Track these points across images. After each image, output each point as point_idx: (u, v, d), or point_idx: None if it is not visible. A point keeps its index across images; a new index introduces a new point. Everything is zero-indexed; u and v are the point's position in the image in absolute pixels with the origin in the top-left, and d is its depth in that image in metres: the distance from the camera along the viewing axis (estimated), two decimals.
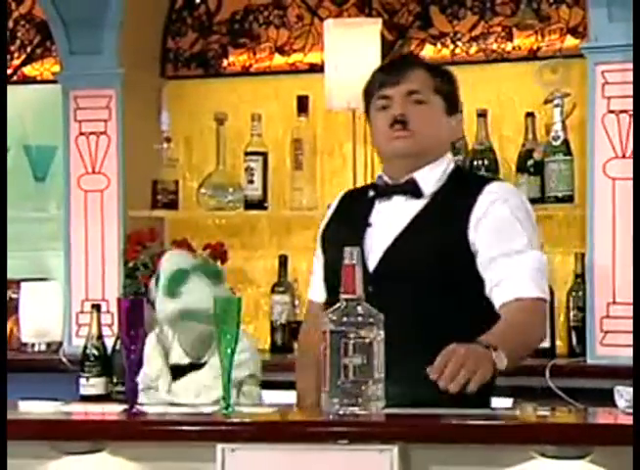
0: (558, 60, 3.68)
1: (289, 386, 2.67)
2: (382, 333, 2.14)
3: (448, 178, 2.54)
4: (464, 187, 2.52)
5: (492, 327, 2.32)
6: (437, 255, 2.44)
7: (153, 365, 2.54)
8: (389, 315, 2.17)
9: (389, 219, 2.51)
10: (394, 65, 2.70)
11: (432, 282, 2.43)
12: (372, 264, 2.48)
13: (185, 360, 2.52)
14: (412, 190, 2.51)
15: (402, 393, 2.23)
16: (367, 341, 2.12)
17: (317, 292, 2.67)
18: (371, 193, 2.58)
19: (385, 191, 2.55)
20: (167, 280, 2.52)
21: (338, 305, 2.15)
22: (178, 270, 2.53)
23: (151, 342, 2.55)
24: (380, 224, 2.51)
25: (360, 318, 2.12)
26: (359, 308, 2.13)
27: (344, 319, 2.12)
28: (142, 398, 2.48)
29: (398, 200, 2.53)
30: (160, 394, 2.51)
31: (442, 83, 2.58)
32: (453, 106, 2.57)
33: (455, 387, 2.13)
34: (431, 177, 2.52)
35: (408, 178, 2.53)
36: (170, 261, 2.58)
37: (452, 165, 2.58)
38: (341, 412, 2.11)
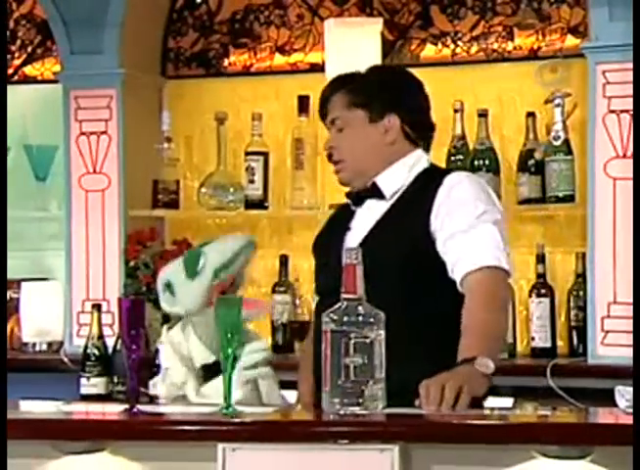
0: (558, 59, 3.68)
1: (290, 386, 2.67)
2: (382, 333, 2.14)
3: (415, 177, 2.57)
4: (427, 182, 2.54)
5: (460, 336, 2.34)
6: (401, 250, 2.48)
7: (176, 373, 2.52)
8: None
9: (363, 222, 2.58)
10: (321, 96, 2.71)
11: (398, 276, 2.47)
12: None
13: (211, 359, 2.50)
14: (377, 193, 2.58)
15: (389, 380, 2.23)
16: (368, 341, 2.12)
17: None
18: (349, 201, 2.66)
19: (357, 198, 2.63)
20: (185, 263, 2.50)
21: (338, 304, 2.15)
22: (191, 252, 2.52)
23: (166, 352, 2.55)
24: (356, 227, 2.59)
25: (361, 318, 2.12)
26: (360, 308, 2.13)
27: (345, 319, 2.12)
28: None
29: (370, 203, 2.59)
30: (190, 399, 2.49)
31: (359, 94, 2.59)
32: (377, 111, 2.57)
33: (445, 406, 2.15)
34: (392, 179, 2.57)
35: (371, 183, 2.59)
36: (175, 266, 2.57)
37: (421, 164, 2.59)
38: (341, 412, 2.11)
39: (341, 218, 2.66)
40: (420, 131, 2.60)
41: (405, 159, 2.58)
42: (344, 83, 2.65)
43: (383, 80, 2.63)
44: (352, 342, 2.11)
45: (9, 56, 4.20)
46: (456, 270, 2.42)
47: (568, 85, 3.62)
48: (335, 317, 2.13)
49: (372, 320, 2.12)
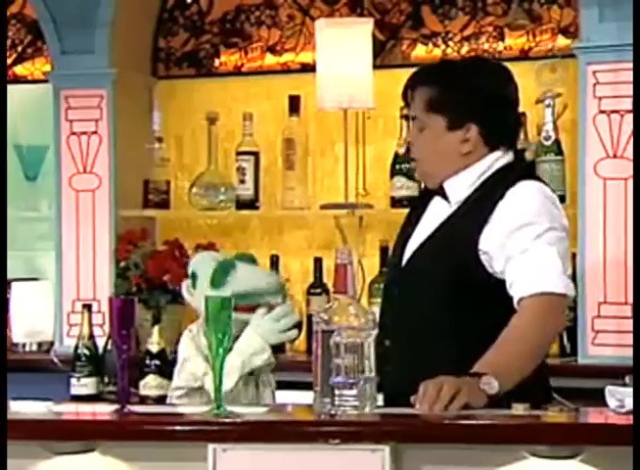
0: (556, 59, 3.67)
1: (281, 386, 2.66)
2: (373, 333, 2.13)
3: (483, 182, 2.53)
4: (491, 191, 2.50)
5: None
6: (449, 262, 2.47)
7: (196, 364, 2.53)
8: (410, 310, 2.42)
9: (427, 225, 2.57)
10: (406, 83, 2.63)
11: (445, 286, 2.47)
12: (404, 262, 2.58)
13: None
14: (444, 195, 2.57)
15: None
16: (358, 341, 2.12)
17: None
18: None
19: (429, 194, 2.63)
20: (214, 272, 2.51)
21: (329, 304, 2.15)
22: (225, 262, 2.54)
23: (185, 343, 2.56)
24: (420, 229, 2.58)
25: (352, 318, 2.12)
26: (351, 308, 2.13)
27: (336, 319, 2.12)
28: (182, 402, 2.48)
29: (438, 202, 2.58)
30: (208, 390, 2.49)
31: (440, 98, 2.53)
32: (456, 119, 2.52)
33: (439, 406, 2.15)
34: (460, 184, 2.54)
35: (439, 185, 2.58)
36: (206, 259, 2.58)
37: (494, 167, 2.54)
38: (332, 412, 2.11)
39: (416, 212, 2.64)
40: (501, 138, 2.55)
41: (479, 164, 2.54)
42: (430, 78, 2.57)
43: (465, 85, 2.55)
44: (343, 342, 2.11)
45: None
46: (512, 293, 2.40)
47: (559, 85, 3.62)
48: (325, 317, 2.13)
49: (363, 320, 2.12)
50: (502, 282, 2.43)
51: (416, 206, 2.68)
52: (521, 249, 2.41)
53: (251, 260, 2.63)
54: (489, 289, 2.44)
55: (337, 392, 2.11)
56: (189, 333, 2.61)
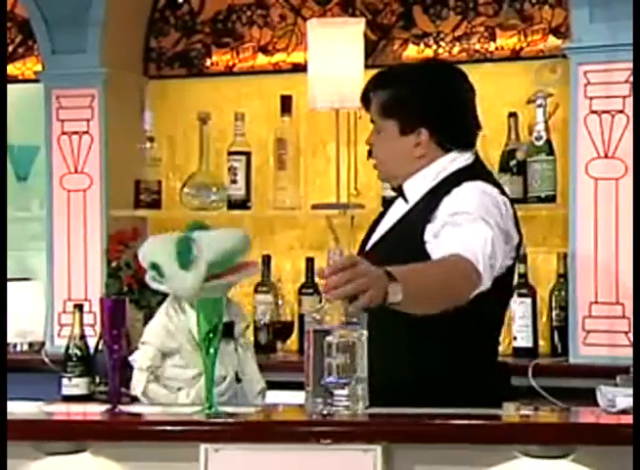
0: (553, 60, 3.67)
1: (273, 386, 2.66)
2: (365, 332, 2.14)
3: (439, 182, 2.57)
4: (441, 190, 2.54)
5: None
6: (401, 255, 2.45)
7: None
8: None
9: (386, 223, 2.64)
10: (364, 89, 2.68)
11: None
12: None
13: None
14: (403, 196, 2.64)
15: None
16: (350, 340, 2.12)
17: None
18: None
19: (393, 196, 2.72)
20: (179, 253, 2.46)
21: (321, 304, 2.15)
22: (184, 239, 2.49)
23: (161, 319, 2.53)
24: (380, 227, 2.65)
25: (343, 318, 2.12)
26: (342, 308, 2.13)
27: (327, 318, 2.12)
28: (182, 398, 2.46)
29: (399, 203, 2.65)
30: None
31: (392, 103, 2.59)
32: (408, 124, 2.58)
33: (335, 295, 2.06)
34: (417, 184, 2.60)
35: (399, 186, 2.65)
36: (160, 245, 2.54)
37: (451, 168, 2.58)
38: (324, 412, 2.11)
39: (385, 210, 2.72)
40: (454, 140, 2.59)
41: (435, 164, 2.59)
42: (384, 83, 2.63)
43: (416, 90, 2.59)
44: (335, 341, 2.11)
45: None
46: (433, 255, 2.40)
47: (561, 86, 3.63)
48: (317, 317, 2.13)
49: (354, 320, 2.12)
50: None
51: (389, 204, 2.76)
52: (449, 230, 2.41)
53: (204, 227, 2.57)
54: None
55: (328, 392, 2.11)
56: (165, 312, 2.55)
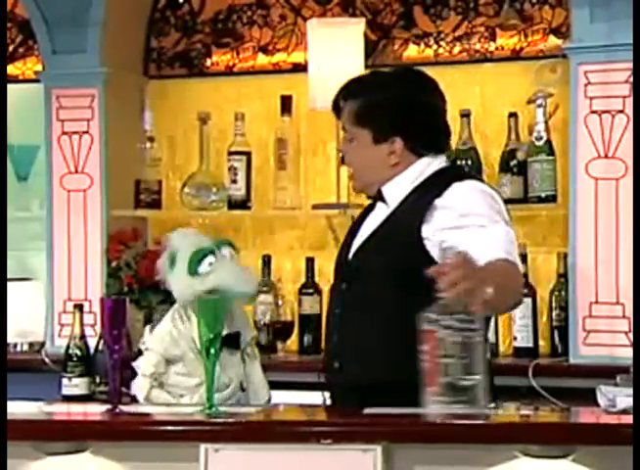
0: (553, 59, 3.67)
1: (273, 386, 2.66)
2: (482, 331, 2.13)
3: (419, 184, 2.59)
4: (427, 191, 2.55)
5: None
6: (390, 253, 2.52)
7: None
8: (355, 305, 2.49)
9: (368, 226, 2.64)
10: (335, 97, 2.69)
11: (387, 277, 2.51)
12: (349, 258, 2.66)
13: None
14: (382, 199, 2.64)
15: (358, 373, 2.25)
16: (470, 339, 2.11)
17: None
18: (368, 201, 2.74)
19: (372, 201, 2.70)
20: (191, 258, 2.48)
21: (439, 302, 2.13)
22: (203, 249, 2.50)
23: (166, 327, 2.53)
24: (362, 230, 2.65)
25: (464, 316, 2.11)
26: (459, 306, 2.12)
27: (448, 318, 2.11)
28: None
29: (380, 206, 2.65)
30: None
31: (364, 112, 2.60)
32: (381, 133, 2.59)
33: (455, 293, 2.06)
34: (396, 188, 2.61)
35: (378, 190, 2.65)
36: (187, 241, 2.55)
37: (428, 171, 2.59)
38: (447, 411, 2.10)
39: (363, 216, 2.71)
40: (427, 146, 2.60)
41: (410, 170, 2.60)
42: (355, 92, 2.64)
43: (389, 99, 2.60)
44: (455, 340, 2.10)
45: None
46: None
47: (561, 86, 3.63)
48: (439, 317, 2.11)
49: (472, 318, 2.11)
50: None
51: (364, 211, 2.74)
52: (471, 232, 2.41)
53: (231, 246, 2.58)
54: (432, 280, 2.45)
55: (452, 391, 2.10)
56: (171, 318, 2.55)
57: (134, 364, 2.49)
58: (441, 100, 2.67)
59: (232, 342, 2.47)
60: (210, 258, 2.47)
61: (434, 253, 2.46)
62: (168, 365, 2.48)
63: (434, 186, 2.55)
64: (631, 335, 3.35)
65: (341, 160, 2.75)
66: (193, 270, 2.45)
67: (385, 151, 2.60)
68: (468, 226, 2.43)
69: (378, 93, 2.62)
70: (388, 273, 2.51)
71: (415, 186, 2.59)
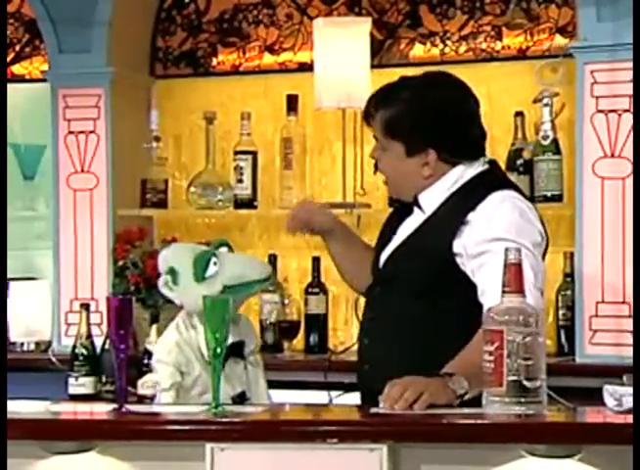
0: (558, 58, 3.66)
1: (279, 385, 2.67)
2: (542, 332, 2.14)
3: (454, 192, 2.56)
4: (462, 202, 2.53)
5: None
6: (422, 262, 2.52)
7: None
8: (386, 310, 2.50)
9: (403, 231, 2.62)
10: (365, 106, 2.64)
11: (419, 286, 2.52)
12: (381, 264, 2.64)
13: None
14: (419, 206, 2.61)
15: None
16: (536, 340, 2.11)
17: None
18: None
19: (406, 206, 2.67)
20: (195, 265, 2.48)
21: (501, 303, 2.13)
22: (204, 253, 2.50)
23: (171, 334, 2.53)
24: (397, 235, 2.63)
25: (530, 319, 2.11)
26: (529, 310, 2.12)
27: (520, 318, 2.10)
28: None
29: (416, 212, 2.62)
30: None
31: (396, 125, 2.54)
32: (414, 146, 2.54)
33: (401, 405, 2.16)
34: (431, 196, 2.58)
35: (414, 197, 2.61)
36: (182, 252, 2.54)
37: (462, 179, 2.56)
38: (512, 412, 2.09)
39: (396, 219, 2.67)
40: (462, 156, 2.57)
41: (445, 178, 2.56)
42: (386, 102, 2.57)
43: (420, 111, 2.55)
44: (521, 341, 2.10)
45: None
46: (482, 302, 2.41)
47: (562, 85, 3.62)
48: (506, 317, 2.11)
49: (535, 318, 2.11)
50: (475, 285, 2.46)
51: (398, 213, 2.70)
52: (492, 259, 2.40)
53: (230, 247, 2.58)
54: (463, 290, 2.46)
55: (521, 391, 2.10)
56: (176, 326, 2.56)
57: (148, 389, 2.49)
58: (475, 103, 2.62)
59: (236, 350, 2.47)
60: (214, 259, 2.47)
61: (464, 267, 2.47)
62: (182, 375, 2.49)
63: (470, 196, 2.52)
64: None
65: (374, 167, 2.69)
66: (200, 276, 2.46)
67: (418, 163, 2.55)
68: (491, 252, 2.41)
69: (409, 103, 2.55)
70: (418, 281, 2.51)
71: (451, 193, 2.55)
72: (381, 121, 2.58)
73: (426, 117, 2.55)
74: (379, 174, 2.70)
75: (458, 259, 2.48)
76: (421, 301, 2.50)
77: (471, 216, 2.48)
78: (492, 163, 2.65)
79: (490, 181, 2.57)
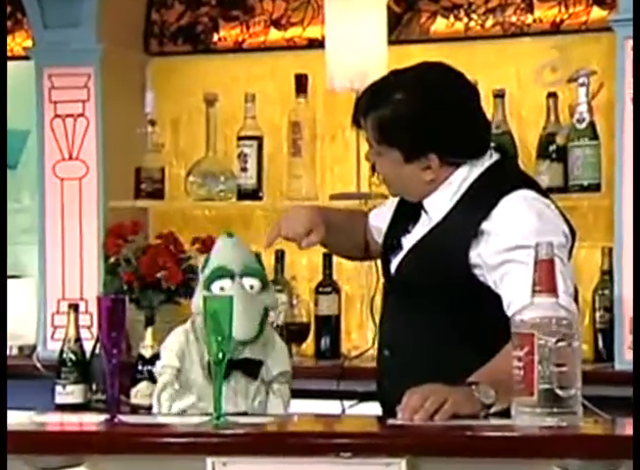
0: (553, 59, 3.68)
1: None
2: (578, 336, 2.14)
3: (463, 194, 2.55)
4: (473, 206, 2.53)
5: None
6: (436, 273, 2.53)
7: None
8: (402, 322, 2.56)
9: (416, 232, 2.62)
10: (354, 107, 2.60)
11: (434, 298, 2.54)
12: (392, 269, 2.67)
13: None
14: (425, 210, 2.61)
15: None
16: (571, 345, 2.11)
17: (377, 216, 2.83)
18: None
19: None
20: (208, 276, 2.51)
21: (531, 304, 2.14)
22: (220, 268, 2.52)
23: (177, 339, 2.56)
24: (412, 234, 2.62)
25: (564, 322, 2.11)
26: (562, 312, 2.12)
27: (545, 321, 2.11)
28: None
29: (423, 216, 2.61)
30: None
31: (391, 132, 2.51)
32: (413, 152, 2.52)
33: (421, 415, 2.17)
34: (437, 201, 2.57)
35: (418, 202, 2.60)
36: (224, 250, 2.56)
37: (468, 180, 2.55)
38: (544, 424, 2.10)
39: (403, 218, 2.66)
40: (466, 156, 2.55)
41: (450, 180, 2.55)
42: (376, 104, 2.53)
43: (417, 115, 2.50)
44: (556, 346, 2.10)
45: None
46: (509, 314, 2.39)
47: (590, 65, 3.63)
48: (538, 320, 2.11)
49: (570, 321, 2.12)
50: (497, 295, 2.47)
51: (405, 208, 2.68)
52: (515, 269, 2.41)
53: (259, 277, 2.60)
54: (487, 303, 2.47)
55: (554, 400, 2.11)
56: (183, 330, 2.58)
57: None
58: (473, 93, 2.58)
59: (249, 368, 2.49)
60: (224, 283, 2.49)
61: (484, 279, 2.48)
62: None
63: (481, 201, 2.51)
64: None
65: (371, 168, 2.69)
66: (207, 286, 2.50)
67: (419, 167, 2.53)
68: (513, 261, 2.42)
69: (402, 105, 2.50)
70: (439, 295, 2.52)
71: (460, 197, 2.55)
72: (372, 127, 2.53)
73: (424, 121, 2.50)
74: None
75: (477, 271, 2.49)
76: (444, 315, 2.52)
77: (485, 226, 2.48)
78: (500, 151, 2.62)
79: (501, 181, 2.55)
